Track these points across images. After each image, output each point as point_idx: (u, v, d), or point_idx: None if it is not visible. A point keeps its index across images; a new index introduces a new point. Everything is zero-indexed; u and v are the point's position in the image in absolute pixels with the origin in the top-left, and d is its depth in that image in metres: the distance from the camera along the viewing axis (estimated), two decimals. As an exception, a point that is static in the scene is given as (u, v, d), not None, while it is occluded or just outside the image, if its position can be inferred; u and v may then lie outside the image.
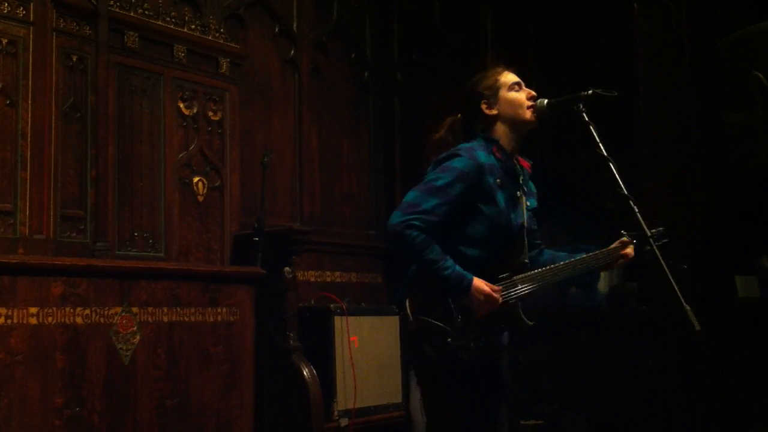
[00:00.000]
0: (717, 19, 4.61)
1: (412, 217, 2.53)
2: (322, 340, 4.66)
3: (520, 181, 2.78)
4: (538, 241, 2.90)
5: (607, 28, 5.32)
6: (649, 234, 2.56)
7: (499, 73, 2.80)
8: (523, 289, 2.65)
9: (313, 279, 5.21)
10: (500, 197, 2.67)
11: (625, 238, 2.83)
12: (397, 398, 4.96)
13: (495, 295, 2.57)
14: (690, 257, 4.25)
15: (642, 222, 2.60)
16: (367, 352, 4.74)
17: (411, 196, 2.59)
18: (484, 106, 2.77)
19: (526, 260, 2.71)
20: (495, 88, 2.77)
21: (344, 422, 4.58)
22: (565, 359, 4.92)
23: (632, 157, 4.69)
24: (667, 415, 4.42)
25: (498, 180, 2.67)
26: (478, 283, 2.56)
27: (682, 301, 2.46)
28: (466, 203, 2.62)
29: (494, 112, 2.76)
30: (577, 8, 5.36)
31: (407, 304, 2.60)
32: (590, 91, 2.79)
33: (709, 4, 4.65)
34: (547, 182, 5.65)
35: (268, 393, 4.46)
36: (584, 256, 2.77)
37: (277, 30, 5.38)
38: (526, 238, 2.73)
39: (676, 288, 2.48)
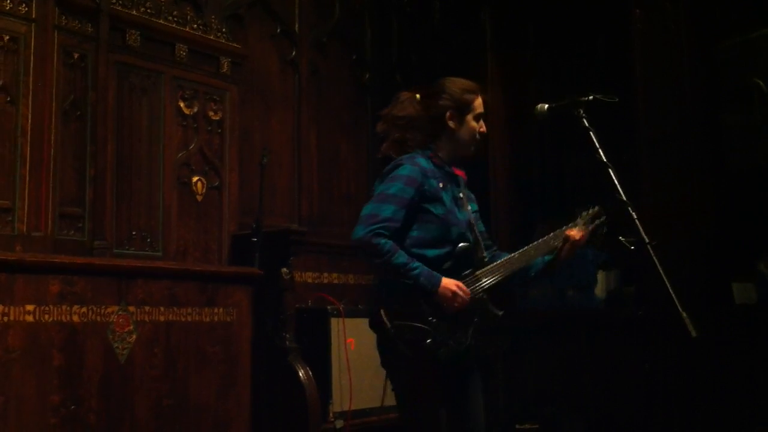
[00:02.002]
0: (715, 21, 4.62)
1: (375, 226, 2.63)
2: (319, 341, 4.65)
3: (459, 185, 2.91)
4: (490, 242, 3.02)
5: (607, 29, 5.32)
6: (647, 241, 2.57)
7: (476, 96, 2.89)
8: (486, 282, 2.78)
9: (310, 280, 5.21)
10: (445, 197, 2.79)
11: (576, 223, 2.94)
12: (394, 400, 4.95)
13: (463, 290, 2.69)
14: (687, 262, 4.27)
15: (640, 228, 2.62)
16: (364, 354, 4.73)
17: (368, 209, 2.69)
18: (448, 116, 2.86)
19: (484, 255, 2.85)
20: (465, 109, 2.87)
21: (340, 424, 4.57)
22: (562, 361, 4.93)
23: (630, 158, 4.70)
24: (664, 419, 4.42)
25: (440, 183, 2.80)
26: (447, 280, 2.68)
27: (679, 307, 2.47)
28: (417, 207, 2.74)
29: (452, 126, 2.86)
30: (576, 9, 5.36)
31: (382, 313, 2.66)
32: (591, 97, 2.81)
33: (708, 6, 4.66)
34: (546, 183, 5.68)
35: (265, 394, 4.46)
36: (536, 242, 2.89)
37: (277, 30, 5.38)
38: (477, 235, 2.87)
39: (672, 294, 2.49)
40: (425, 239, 2.74)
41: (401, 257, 2.64)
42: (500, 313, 2.79)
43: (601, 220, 2.95)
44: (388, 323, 2.65)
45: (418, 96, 2.92)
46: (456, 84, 2.90)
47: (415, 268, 2.64)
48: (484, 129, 2.91)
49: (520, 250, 2.86)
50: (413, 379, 2.69)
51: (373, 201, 2.71)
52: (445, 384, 2.72)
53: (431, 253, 2.73)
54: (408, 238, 2.73)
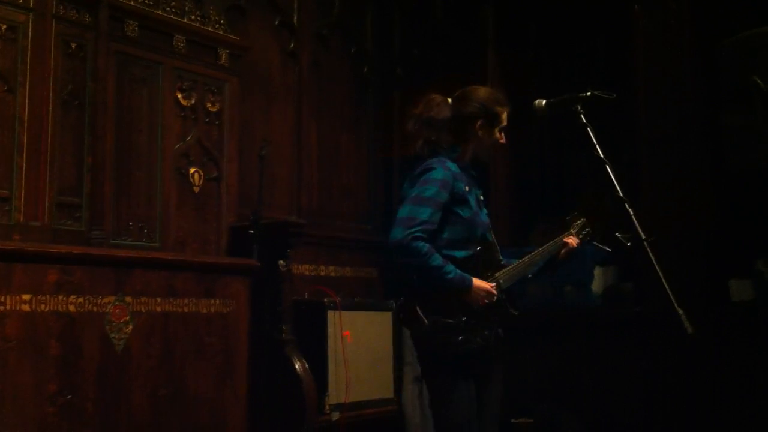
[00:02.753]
0: (718, 20, 4.61)
1: (414, 229, 2.72)
2: (316, 333, 4.66)
3: (480, 187, 3.06)
4: None
5: (608, 27, 5.31)
6: (643, 237, 2.58)
7: (505, 109, 3.01)
8: (504, 283, 2.92)
9: (308, 272, 5.21)
10: (471, 199, 2.92)
11: (570, 232, 3.16)
12: (389, 393, 4.97)
13: (493, 290, 2.84)
14: (685, 259, 4.27)
15: (637, 225, 2.62)
16: (360, 347, 4.75)
17: (405, 211, 2.78)
18: (478, 125, 2.96)
19: (500, 258, 2.99)
20: (495, 120, 2.99)
21: (336, 416, 4.58)
22: (559, 359, 4.93)
23: (631, 156, 4.70)
24: (661, 416, 4.43)
25: (467, 186, 2.92)
26: (477, 281, 2.81)
27: (675, 304, 2.48)
28: (447, 210, 2.84)
29: (480, 135, 2.97)
30: (578, 8, 5.35)
31: (418, 309, 2.77)
32: (589, 93, 2.84)
33: (710, 5, 4.65)
34: (546, 182, 5.68)
35: (262, 385, 4.47)
36: (542, 247, 3.09)
37: (277, 22, 5.36)
38: (494, 237, 3.03)
39: (669, 291, 2.50)
40: (454, 241, 2.86)
41: (437, 259, 2.74)
42: (516, 312, 2.96)
43: (587, 231, 3.19)
44: (425, 319, 2.76)
45: (449, 100, 3.03)
46: (488, 93, 3.03)
47: (450, 271, 2.75)
48: (504, 141, 3.04)
49: (529, 255, 3.02)
50: (444, 376, 2.82)
51: (410, 203, 2.79)
52: (472, 380, 2.87)
53: (459, 254, 2.85)
54: (439, 240, 2.82)
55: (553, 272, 3.20)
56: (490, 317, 2.86)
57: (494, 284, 2.87)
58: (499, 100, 2.99)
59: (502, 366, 3.04)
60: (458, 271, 2.78)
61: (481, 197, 3.03)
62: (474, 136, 2.97)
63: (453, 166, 2.90)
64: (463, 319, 2.78)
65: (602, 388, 4.73)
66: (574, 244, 3.10)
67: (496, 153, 3.11)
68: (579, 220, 3.19)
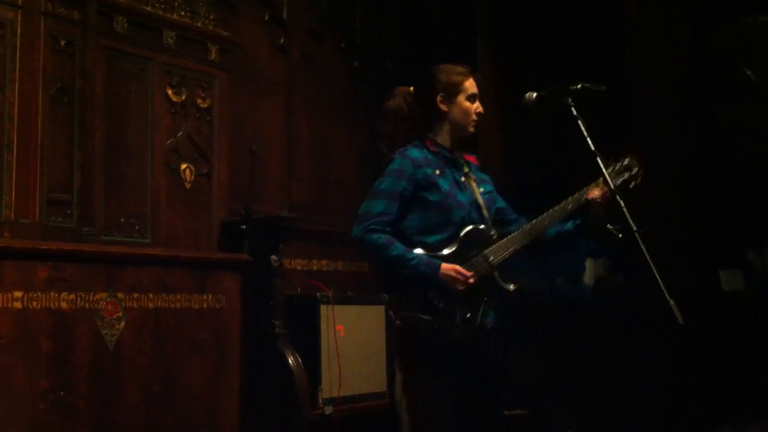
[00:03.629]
0: (713, 15, 4.62)
1: (368, 223, 2.76)
2: (308, 328, 4.65)
3: (465, 170, 2.95)
4: (514, 216, 3.05)
5: (603, 23, 5.31)
6: (634, 228, 2.58)
7: (465, 77, 2.94)
8: (494, 259, 2.81)
9: (300, 267, 5.20)
10: (442, 183, 2.84)
11: (597, 182, 2.85)
12: (382, 387, 4.97)
13: (464, 271, 2.73)
14: (677, 250, 4.29)
15: (628, 216, 2.63)
16: (353, 341, 4.75)
17: (362, 207, 2.82)
18: (439, 99, 2.92)
19: (493, 233, 2.86)
20: (455, 90, 2.92)
21: (329, 410, 4.59)
22: (551, 351, 4.94)
23: (624, 148, 4.70)
24: (653, 406, 4.45)
25: (436, 171, 2.85)
26: (445, 265, 2.73)
27: (666, 294, 2.49)
28: (413, 197, 2.82)
29: (444, 109, 2.92)
30: (574, 4, 5.34)
31: (390, 306, 2.85)
32: (579, 85, 2.83)
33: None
34: (541, 177, 5.68)
35: (255, 380, 4.47)
36: (551, 210, 2.87)
37: (267, 17, 5.35)
38: (487, 214, 2.89)
39: (660, 281, 2.51)
40: (425, 226, 2.81)
41: (397, 249, 2.73)
42: (512, 287, 2.84)
43: (633, 172, 2.88)
44: (393, 316, 2.80)
45: (411, 89, 3.00)
46: (444, 68, 2.96)
47: (412, 258, 2.72)
48: (480, 109, 2.95)
49: (533, 221, 2.87)
50: (423, 367, 2.77)
51: (367, 198, 2.83)
52: (460, 368, 2.76)
53: (432, 238, 2.80)
54: (408, 227, 2.82)
55: (592, 232, 2.88)
56: (476, 298, 2.77)
57: (476, 265, 2.76)
58: (456, 70, 2.93)
59: (503, 345, 2.94)
60: (424, 257, 2.74)
61: (462, 178, 2.92)
62: (438, 113, 2.92)
63: (416, 152, 2.86)
64: (439, 305, 2.72)
65: (594, 380, 4.74)
66: (599, 198, 2.81)
67: (478, 123, 2.94)
68: (620, 160, 2.88)
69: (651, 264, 2.53)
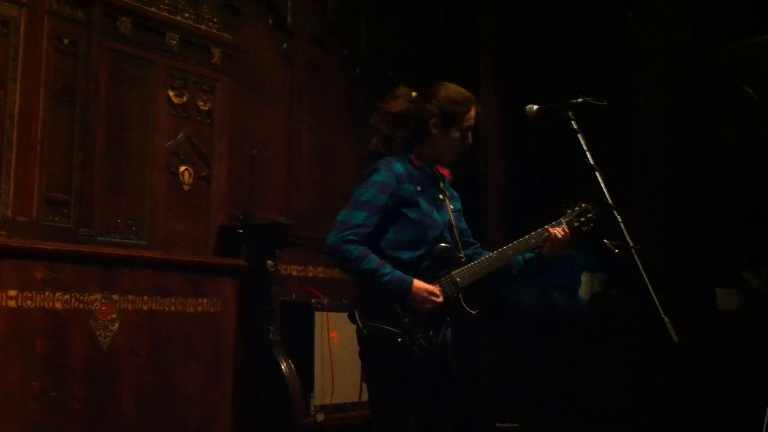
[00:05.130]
0: (717, 31, 4.63)
1: (346, 233, 2.71)
2: (303, 334, 4.65)
3: (441, 186, 2.94)
4: (472, 240, 3.07)
5: (606, 35, 5.32)
6: (631, 244, 2.58)
7: (467, 109, 2.90)
8: (461, 282, 2.80)
9: (296, 273, 5.19)
10: (422, 201, 2.83)
11: (560, 221, 2.93)
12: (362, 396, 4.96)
13: (436, 291, 2.74)
14: (673, 268, 4.29)
15: (625, 231, 2.63)
16: (347, 349, 4.71)
17: (341, 215, 2.77)
18: (432, 123, 2.88)
19: (461, 256, 2.87)
20: (452, 120, 2.88)
21: (321, 418, 4.58)
22: (546, 366, 4.94)
23: (624, 164, 4.71)
24: (647, 423, 4.45)
25: (418, 187, 2.84)
26: (418, 283, 2.73)
27: (661, 311, 2.49)
28: (393, 212, 2.79)
29: (435, 133, 2.89)
30: (577, 15, 5.36)
31: (356, 315, 2.76)
32: (580, 99, 2.83)
33: (710, 16, 4.66)
34: (542, 183, 5.68)
35: (249, 385, 4.46)
36: (516, 241, 2.91)
37: (271, 22, 5.35)
38: (456, 235, 2.89)
39: (655, 298, 2.51)
40: (400, 242, 2.80)
41: (371, 263, 2.70)
42: (474, 312, 2.83)
43: (587, 217, 2.94)
44: (360, 325, 2.75)
45: (413, 94, 2.94)
46: (449, 92, 2.91)
47: (386, 274, 2.70)
48: (469, 141, 2.93)
49: (499, 250, 2.89)
50: (384, 379, 2.77)
51: (347, 207, 2.79)
52: (421, 385, 2.78)
53: (406, 255, 2.79)
54: (383, 240, 2.80)
55: (539, 269, 2.97)
56: (439, 318, 2.77)
57: (443, 285, 2.77)
58: (459, 99, 2.89)
59: (464, 366, 2.97)
60: (397, 273, 2.71)
61: (440, 197, 2.91)
62: (429, 135, 2.88)
63: (400, 167, 2.83)
64: (405, 320, 2.71)
65: (589, 395, 4.74)
66: (561, 235, 2.89)
67: (463, 153, 2.96)
68: (579, 205, 2.98)
69: (647, 280, 2.53)
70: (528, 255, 2.95)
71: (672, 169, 4.64)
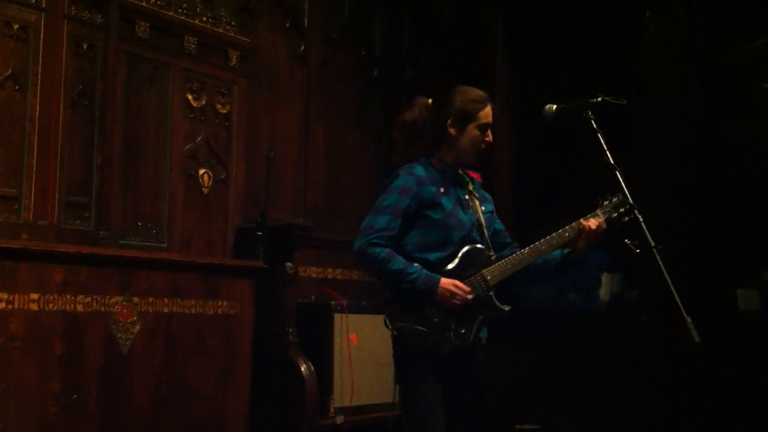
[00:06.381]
0: (728, 30, 4.60)
1: (370, 237, 2.78)
2: (321, 336, 4.65)
3: (470, 188, 2.97)
4: (509, 240, 3.07)
5: (617, 33, 5.30)
6: (653, 244, 2.57)
7: (481, 107, 2.91)
8: (491, 279, 2.83)
9: (314, 275, 5.20)
10: (445, 202, 2.86)
11: (596, 213, 2.89)
12: (393, 397, 4.96)
13: (464, 287, 2.77)
14: (692, 268, 4.26)
15: (646, 231, 2.62)
16: (366, 351, 4.73)
17: (365, 221, 2.84)
18: (449, 123, 2.91)
19: (491, 254, 2.88)
20: (468, 118, 2.91)
21: (340, 419, 4.58)
22: (561, 363, 4.92)
23: (638, 163, 4.69)
24: (663, 424, 4.42)
25: (441, 189, 2.87)
26: (445, 280, 2.77)
27: (683, 312, 2.47)
28: (416, 214, 2.84)
29: (453, 134, 2.92)
30: (588, 13, 5.34)
31: (385, 316, 2.84)
32: (599, 98, 2.82)
33: (721, 14, 4.64)
34: (552, 185, 5.66)
35: (265, 387, 4.46)
36: (549, 236, 2.88)
37: (287, 24, 5.36)
38: (486, 234, 2.91)
39: (677, 299, 2.49)
40: (426, 243, 2.84)
41: (397, 263, 2.75)
42: (507, 308, 2.86)
43: (625, 209, 2.87)
44: (390, 326, 2.82)
45: (430, 101, 2.99)
46: (463, 93, 2.94)
47: (412, 273, 2.75)
48: (489, 138, 2.95)
49: (531, 246, 2.89)
50: (415, 379, 2.82)
51: (371, 213, 2.84)
52: (444, 376, 2.82)
53: (433, 256, 2.83)
54: (410, 244, 2.84)
55: (575, 263, 2.91)
56: (470, 315, 2.80)
57: (473, 283, 2.79)
58: (474, 98, 2.92)
59: (480, 363, 3.01)
60: (424, 271, 2.76)
61: (466, 197, 2.94)
62: (447, 136, 2.91)
63: (421, 170, 2.87)
64: (435, 320, 2.76)
65: (605, 396, 4.72)
66: (594, 226, 2.82)
67: (482, 152, 2.97)
68: (616, 196, 2.88)
69: (668, 280, 2.52)
70: (565, 250, 2.93)
71: (689, 167, 4.61)
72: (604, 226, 2.85)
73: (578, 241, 2.86)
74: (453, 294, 2.75)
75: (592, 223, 2.84)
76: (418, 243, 2.83)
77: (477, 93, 2.94)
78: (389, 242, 2.79)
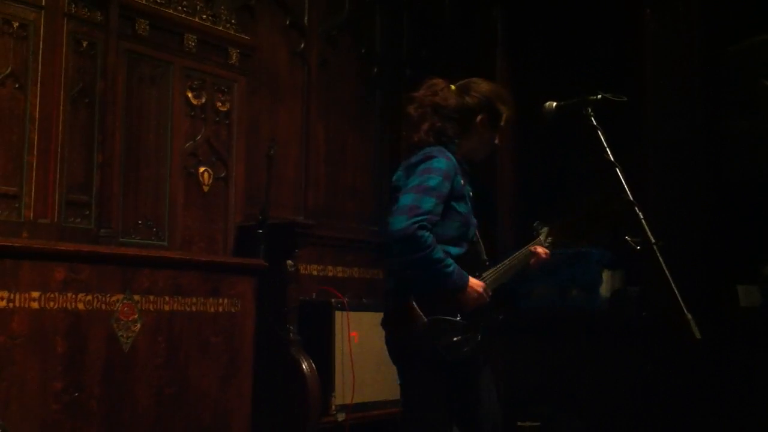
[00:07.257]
0: (729, 26, 4.60)
1: (419, 219, 2.52)
2: (323, 334, 4.66)
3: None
4: None
5: (617, 31, 5.30)
6: (653, 241, 2.56)
7: (510, 109, 2.89)
8: (490, 285, 2.77)
9: (315, 272, 5.21)
10: (467, 197, 2.78)
11: (540, 240, 2.99)
12: (396, 395, 4.96)
13: (487, 291, 2.71)
14: (693, 264, 4.26)
15: (647, 228, 2.61)
16: (367, 348, 4.74)
17: (408, 199, 2.57)
18: (479, 119, 2.84)
19: (486, 258, 2.85)
20: (497, 116, 2.87)
21: (341, 417, 4.58)
22: (563, 361, 4.92)
23: (638, 159, 4.69)
24: (664, 421, 4.42)
25: (463, 181, 2.76)
26: (474, 280, 2.68)
27: (684, 308, 2.47)
28: (446, 204, 2.66)
29: (479, 129, 2.85)
30: (588, 11, 5.34)
31: (415, 306, 2.59)
32: (599, 96, 2.81)
33: (721, 11, 4.63)
34: (553, 183, 5.66)
35: (267, 385, 4.47)
36: (516, 253, 2.94)
37: (287, 22, 5.37)
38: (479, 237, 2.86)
39: (678, 295, 2.49)
40: (448, 236, 2.67)
41: (439, 252, 2.57)
42: (501, 316, 2.84)
43: (549, 241, 3.00)
44: (423, 317, 2.58)
45: (453, 87, 2.88)
46: (494, 89, 2.89)
47: (450, 265, 2.59)
48: (497, 141, 2.93)
49: (510, 257, 2.90)
50: (426, 376, 2.68)
51: (413, 192, 2.59)
52: (454, 382, 2.73)
53: (454, 251, 2.68)
54: (439, 233, 2.64)
55: (523, 281, 3.02)
56: (479, 320, 2.72)
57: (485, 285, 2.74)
58: (504, 99, 2.87)
59: (487, 368, 2.92)
60: (457, 266, 2.62)
61: (471, 194, 2.85)
62: (474, 130, 2.84)
63: (453, 157, 2.73)
64: (458, 318, 2.64)
65: (606, 393, 4.72)
66: (544, 255, 2.92)
67: (490, 154, 2.99)
68: (542, 228, 3.02)
69: (669, 277, 2.52)
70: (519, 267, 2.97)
71: (690, 164, 4.61)
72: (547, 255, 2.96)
73: (529, 263, 2.94)
74: (480, 295, 2.67)
75: (542, 250, 2.94)
76: (440, 235, 2.61)
77: (506, 93, 2.91)
78: (432, 227, 2.57)
